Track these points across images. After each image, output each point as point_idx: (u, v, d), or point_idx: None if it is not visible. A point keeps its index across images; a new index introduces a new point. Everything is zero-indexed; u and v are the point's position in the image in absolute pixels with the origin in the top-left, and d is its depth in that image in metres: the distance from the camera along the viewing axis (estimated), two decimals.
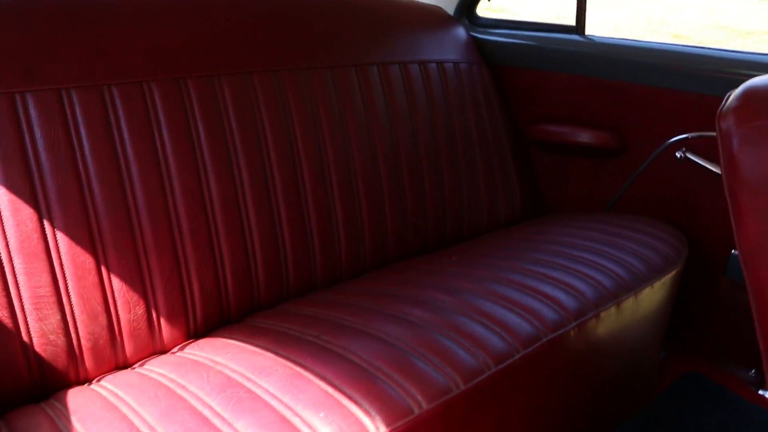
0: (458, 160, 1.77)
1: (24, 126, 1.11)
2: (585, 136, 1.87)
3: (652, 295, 1.43)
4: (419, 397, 0.98)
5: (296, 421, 0.92)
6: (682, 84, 1.68)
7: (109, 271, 1.16)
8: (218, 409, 0.94)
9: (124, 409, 0.98)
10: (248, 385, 1.00)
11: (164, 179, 1.24)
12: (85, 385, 1.14)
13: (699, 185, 1.71)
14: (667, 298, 1.53)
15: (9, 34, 1.13)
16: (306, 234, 1.44)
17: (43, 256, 1.10)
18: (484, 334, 1.13)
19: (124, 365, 1.21)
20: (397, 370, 1.01)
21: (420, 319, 1.17)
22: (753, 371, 1.73)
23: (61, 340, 1.12)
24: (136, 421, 0.94)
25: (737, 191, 0.85)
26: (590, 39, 1.90)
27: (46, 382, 1.12)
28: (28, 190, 1.09)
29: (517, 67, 1.99)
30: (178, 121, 1.27)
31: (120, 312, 1.18)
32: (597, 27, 1.95)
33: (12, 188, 1.08)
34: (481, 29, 2.08)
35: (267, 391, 0.98)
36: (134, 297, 1.19)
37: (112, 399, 1.02)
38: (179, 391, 1.01)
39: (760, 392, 1.69)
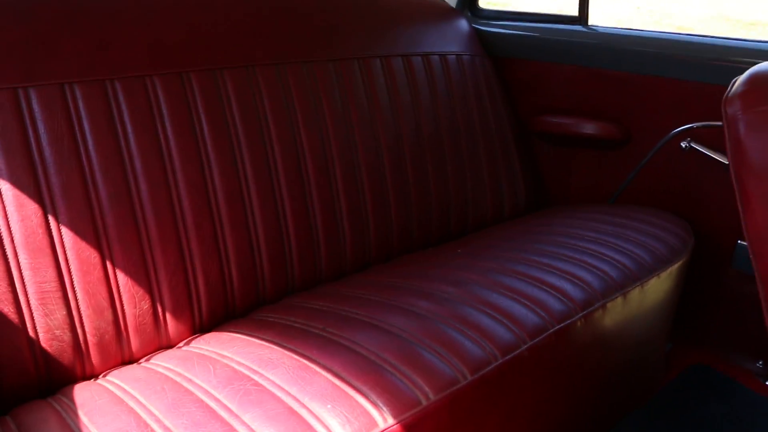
0: (462, 152, 1.77)
1: (27, 121, 1.11)
2: (589, 128, 1.87)
3: (658, 286, 1.43)
4: (426, 388, 0.97)
5: (303, 412, 0.91)
6: (685, 73, 1.67)
7: (114, 265, 1.16)
8: (225, 402, 0.94)
9: (131, 403, 0.98)
10: (255, 377, 0.99)
11: (168, 173, 1.24)
12: (92, 380, 1.14)
13: (704, 175, 1.71)
14: (673, 289, 1.53)
15: (11, 29, 1.13)
16: (310, 227, 1.43)
17: (48, 251, 1.10)
18: (490, 325, 1.13)
19: (130, 360, 1.21)
20: (404, 362, 1.01)
21: (426, 310, 1.17)
22: (760, 362, 1.72)
23: (67, 336, 1.12)
24: (144, 415, 0.94)
25: (744, 177, 0.85)
26: (593, 29, 1.89)
27: (52, 378, 1.12)
28: (32, 185, 1.09)
29: (519, 58, 1.98)
30: (181, 115, 1.27)
31: (125, 307, 1.18)
32: (599, 20, 1.94)
33: (16, 183, 1.08)
34: (483, 21, 2.07)
35: (274, 383, 0.98)
36: (139, 292, 1.19)
37: (118, 393, 1.02)
38: (186, 384, 1.01)
39: None
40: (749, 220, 0.85)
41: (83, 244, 1.13)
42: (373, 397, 0.94)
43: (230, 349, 1.10)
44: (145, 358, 1.20)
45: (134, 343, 1.19)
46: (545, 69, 1.94)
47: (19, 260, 1.08)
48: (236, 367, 1.03)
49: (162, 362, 1.11)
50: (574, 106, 1.91)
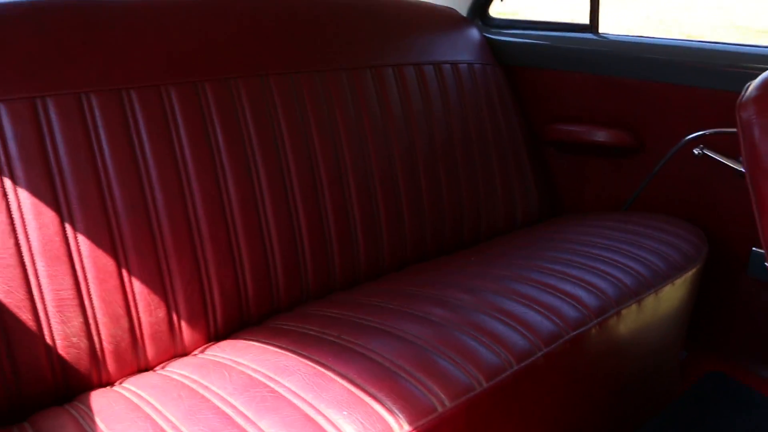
0: (474, 161, 1.77)
1: (45, 130, 1.12)
2: (601, 135, 1.86)
3: (673, 293, 1.42)
4: (442, 395, 0.97)
5: (320, 419, 0.91)
6: (697, 80, 1.67)
7: (130, 273, 1.17)
8: (242, 409, 0.95)
9: (148, 410, 0.98)
10: (271, 384, 1.00)
11: (183, 182, 1.24)
12: (108, 387, 1.14)
13: (718, 182, 1.70)
14: (688, 296, 1.52)
15: (29, 39, 1.15)
16: (324, 236, 1.44)
17: (65, 259, 1.11)
18: (505, 332, 1.13)
19: (146, 368, 1.21)
20: (420, 369, 1.01)
21: (441, 318, 1.17)
22: None
23: (83, 343, 1.12)
24: (160, 421, 0.94)
25: (760, 181, 0.85)
26: (604, 37, 1.89)
27: (69, 385, 1.13)
28: (49, 194, 1.11)
29: (531, 67, 1.98)
30: (196, 124, 1.28)
31: (141, 315, 1.18)
32: (609, 29, 1.94)
33: (34, 191, 1.09)
34: (494, 30, 2.08)
35: (290, 390, 0.98)
36: (155, 300, 1.20)
37: (135, 400, 1.02)
38: (202, 391, 1.01)
39: None
40: (765, 224, 0.85)
41: (100, 252, 1.14)
42: (389, 403, 0.94)
43: (246, 357, 1.10)
44: (161, 365, 1.20)
45: (150, 351, 1.20)
46: (557, 77, 1.94)
47: (37, 268, 1.09)
48: (252, 374, 1.04)
49: (178, 369, 1.12)
50: (586, 113, 1.91)
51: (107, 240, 1.15)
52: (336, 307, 1.29)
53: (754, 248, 1.66)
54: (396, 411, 0.93)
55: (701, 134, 1.67)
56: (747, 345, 1.75)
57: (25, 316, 1.07)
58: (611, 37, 1.88)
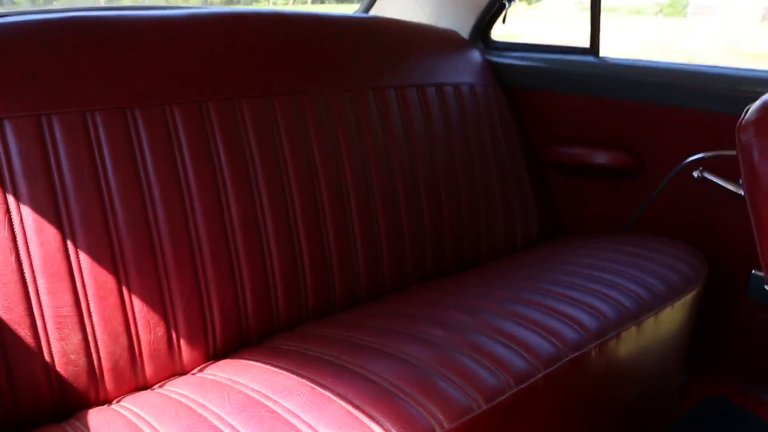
0: (475, 182, 1.78)
1: (49, 147, 1.13)
2: (601, 157, 1.87)
3: (672, 315, 1.42)
4: (441, 417, 0.97)
5: None
6: (697, 103, 1.68)
7: (130, 291, 1.17)
8: (240, 428, 0.94)
9: (145, 428, 0.98)
10: (269, 404, 0.99)
11: (185, 200, 1.25)
12: (105, 405, 1.14)
13: (717, 205, 1.70)
14: (687, 319, 1.52)
15: (35, 57, 1.16)
16: (325, 255, 1.44)
17: (66, 276, 1.11)
18: (504, 353, 1.13)
19: (144, 386, 1.21)
20: (419, 390, 1.01)
21: (440, 339, 1.17)
22: None
23: (82, 360, 1.12)
24: None
25: (759, 204, 0.85)
26: (605, 60, 1.91)
27: (66, 402, 1.12)
28: (52, 210, 1.11)
29: (532, 89, 2.00)
30: (200, 144, 1.28)
31: (140, 333, 1.18)
32: (608, 54, 1.96)
33: (37, 208, 1.09)
34: (495, 52, 2.09)
35: (288, 410, 0.97)
36: (155, 318, 1.19)
37: (133, 418, 1.02)
38: (200, 410, 1.01)
39: None
40: (765, 247, 0.85)
41: (100, 270, 1.14)
42: (388, 425, 0.94)
43: (244, 376, 1.10)
44: (159, 384, 1.20)
45: (148, 369, 1.20)
46: (557, 99, 1.95)
47: (38, 284, 1.09)
48: (251, 393, 1.03)
49: (176, 388, 1.11)
50: (587, 135, 1.92)
51: (108, 257, 1.15)
52: (335, 328, 1.29)
53: (753, 271, 1.66)
54: None
55: (701, 157, 1.68)
56: (747, 368, 1.75)
57: (24, 333, 1.07)
58: (612, 60, 1.90)
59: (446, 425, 0.96)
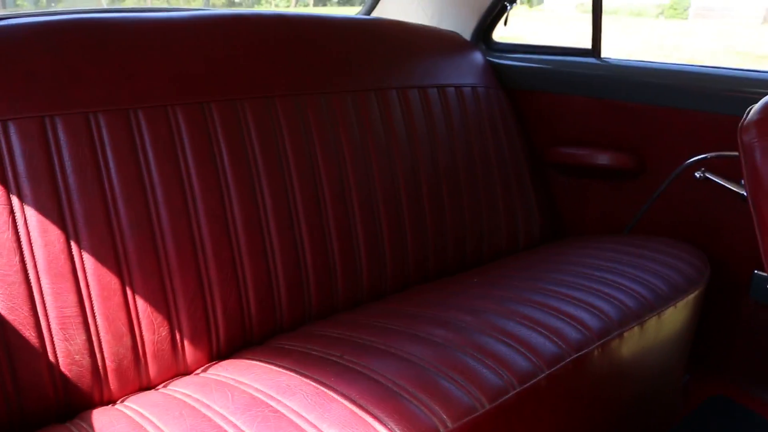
0: (477, 183, 1.78)
1: (53, 148, 1.13)
2: (603, 158, 1.88)
3: (675, 315, 1.42)
4: (444, 416, 0.97)
5: None
6: (698, 104, 1.68)
7: (134, 292, 1.17)
8: (243, 428, 0.94)
9: (149, 428, 0.98)
10: (273, 404, 1.00)
11: (188, 201, 1.25)
12: (109, 405, 1.14)
13: (719, 205, 1.71)
14: (690, 319, 1.52)
15: (38, 58, 1.16)
16: (327, 256, 1.44)
17: (69, 276, 1.11)
18: (507, 353, 1.13)
19: (148, 386, 1.21)
20: (422, 389, 1.01)
21: (443, 338, 1.17)
22: None
23: (86, 361, 1.12)
24: None
25: (761, 204, 0.85)
26: (606, 61, 1.91)
27: (70, 402, 1.12)
28: (56, 211, 1.11)
29: (533, 90, 2.00)
30: (202, 145, 1.29)
31: (144, 333, 1.19)
32: (609, 55, 1.96)
33: (41, 209, 1.10)
34: (497, 54, 2.10)
35: (292, 410, 0.98)
36: (158, 318, 1.20)
37: (137, 418, 1.02)
38: (204, 410, 1.01)
39: None
40: (767, 246, 0.85)
41: (104, 270, 1.14)
42: (391, 424, 0.94)
43: (248, 376, 1.10)
44: (163, 384, 1.20)
45: (152, 369, 1.20)
46: (559, 101, 1.96)
47: (42, 285, 1.09)
48: (254, 393, 1.04)
49: (180, 388, 1.12)
50: (588, 137, 1.93)
51: (112, 258, 1.15)
52: (338, 328, 1.29)
53: (756, 271, 1.66)
54: (398, 431, 0.93)
55: (703, 157, 1.68)
56: (750, 368, 1.75)
57: (29, 333, 1.07)
58: (613, 62, 1.90)
59: (450, 425, 0.96)
